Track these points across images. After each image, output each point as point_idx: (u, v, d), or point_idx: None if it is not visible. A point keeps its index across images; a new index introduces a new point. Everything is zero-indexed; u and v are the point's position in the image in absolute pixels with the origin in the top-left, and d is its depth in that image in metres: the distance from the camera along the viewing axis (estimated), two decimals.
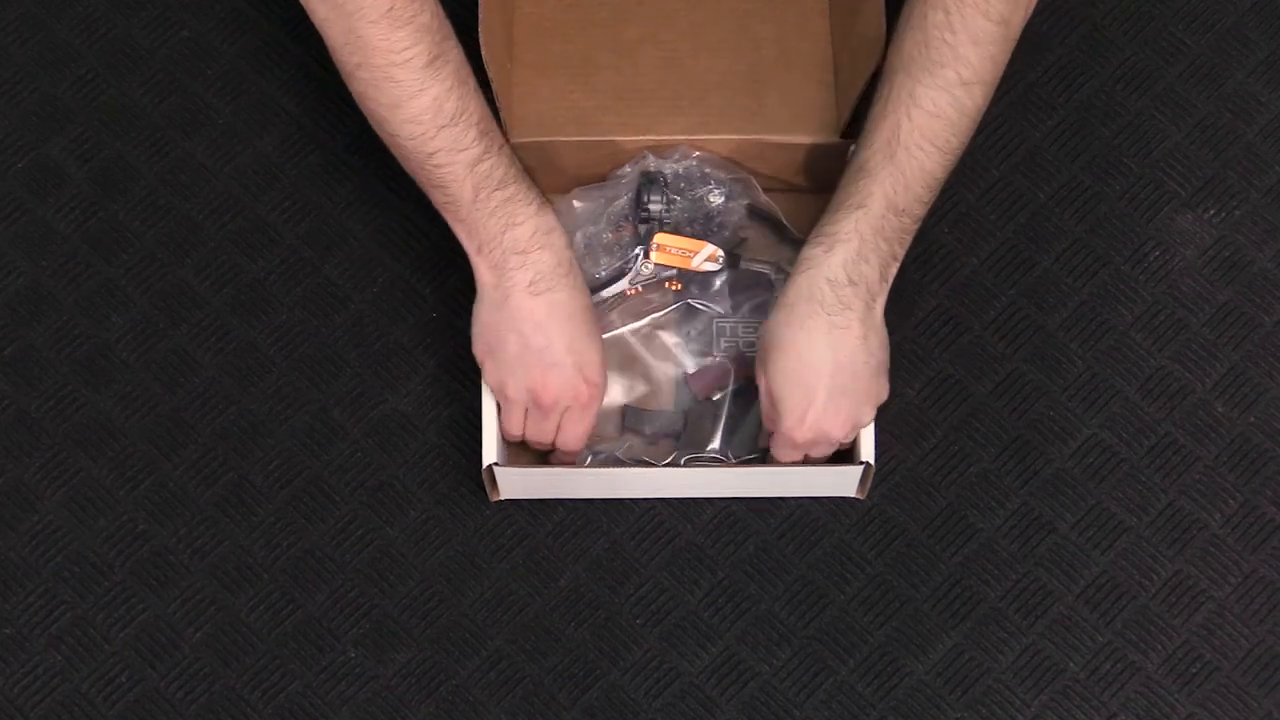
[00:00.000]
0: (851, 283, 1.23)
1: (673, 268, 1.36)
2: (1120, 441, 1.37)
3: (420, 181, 1.25)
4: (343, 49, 1.19)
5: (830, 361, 1.24)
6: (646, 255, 1.36)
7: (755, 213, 1.40)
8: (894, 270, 1.26)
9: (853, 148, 1.26)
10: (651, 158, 1.38)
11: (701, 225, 1.38)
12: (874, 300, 1.24)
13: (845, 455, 1.32)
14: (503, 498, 1.35)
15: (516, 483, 1.34)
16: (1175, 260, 1.42)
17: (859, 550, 1.35)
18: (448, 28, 1.21)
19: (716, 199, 1.38)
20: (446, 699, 1.32)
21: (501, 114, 1.35)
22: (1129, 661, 1.33)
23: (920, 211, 1.25)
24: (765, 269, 1.37)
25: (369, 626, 1.34)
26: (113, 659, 1.33)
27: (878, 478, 1.36)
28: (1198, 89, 1.46)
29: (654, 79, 1.41)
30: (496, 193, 1.24)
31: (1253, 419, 1.38)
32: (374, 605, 1.34)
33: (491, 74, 1.31)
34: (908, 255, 1.38)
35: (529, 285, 1.25)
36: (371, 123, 1.23)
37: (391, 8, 1.16)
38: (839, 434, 1.26)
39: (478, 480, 1.35)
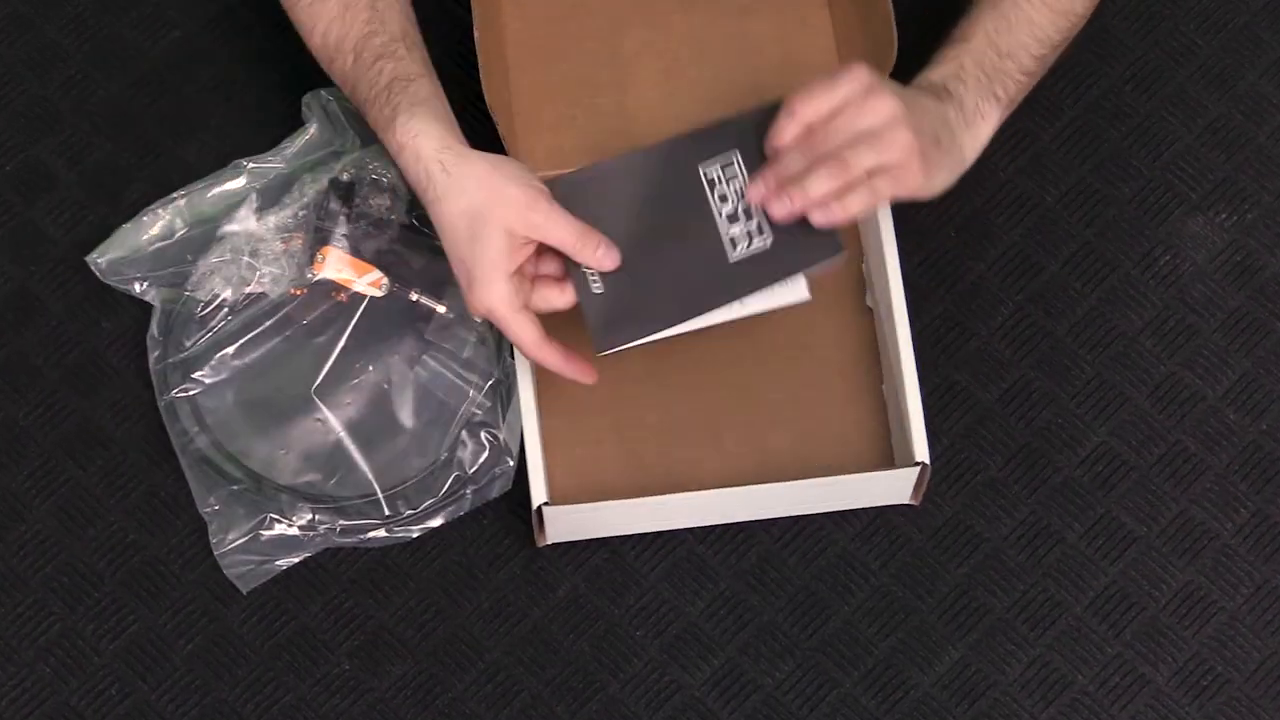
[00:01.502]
0: (946, 90, 1.23)
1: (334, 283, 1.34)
2: (1130, 449, 1.36)
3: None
4: None
5: (914, 106, 1.21)
6: (311, 264, 1.34)
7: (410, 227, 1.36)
8: (993, 112, 1.25)
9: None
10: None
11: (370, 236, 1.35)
12: (967, 124, 1.24)
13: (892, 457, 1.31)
14: (550, 541, 1.33)
15: (564, 524, 1.31)
16: (1186, 265, 1.40)
17: (863, 560, 1.33)
18: None
19: (381, 200, 1.35)
20: (443, 712, 1.30)
21: (509, 153, 1.31)
22: (1139, 674, 1.31)
23: (1028, 62, 1.26)
24: (430, 303, 1.35)
25: (364, 638, 1.32)
26: (103, 671, 1.31)
27: None
28: (1209, 90, 1.44)
29: (657, 94, 1.38)
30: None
31: (1265, 426, 1.36)
32: (369, 616, 1.32)
33: (499, 122, 1.28)
34: (911, 259, 1.38)
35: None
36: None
37: None
38: (885, 130, 1.20)
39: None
